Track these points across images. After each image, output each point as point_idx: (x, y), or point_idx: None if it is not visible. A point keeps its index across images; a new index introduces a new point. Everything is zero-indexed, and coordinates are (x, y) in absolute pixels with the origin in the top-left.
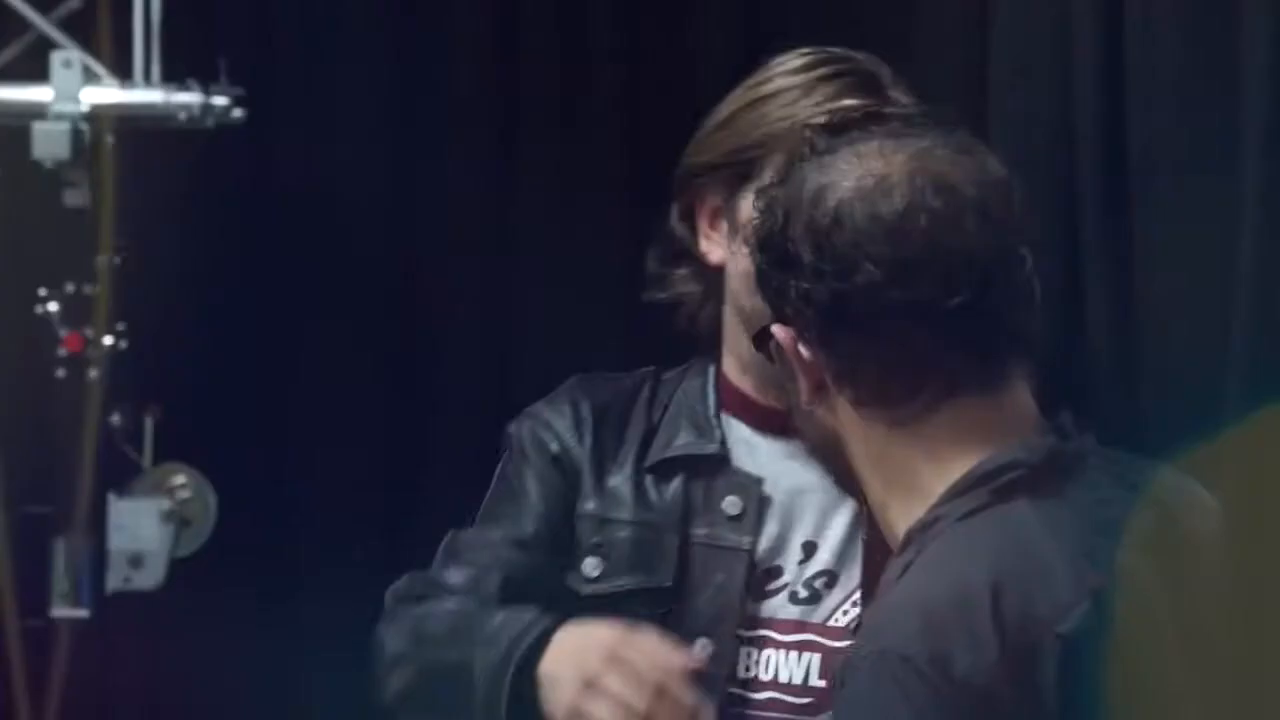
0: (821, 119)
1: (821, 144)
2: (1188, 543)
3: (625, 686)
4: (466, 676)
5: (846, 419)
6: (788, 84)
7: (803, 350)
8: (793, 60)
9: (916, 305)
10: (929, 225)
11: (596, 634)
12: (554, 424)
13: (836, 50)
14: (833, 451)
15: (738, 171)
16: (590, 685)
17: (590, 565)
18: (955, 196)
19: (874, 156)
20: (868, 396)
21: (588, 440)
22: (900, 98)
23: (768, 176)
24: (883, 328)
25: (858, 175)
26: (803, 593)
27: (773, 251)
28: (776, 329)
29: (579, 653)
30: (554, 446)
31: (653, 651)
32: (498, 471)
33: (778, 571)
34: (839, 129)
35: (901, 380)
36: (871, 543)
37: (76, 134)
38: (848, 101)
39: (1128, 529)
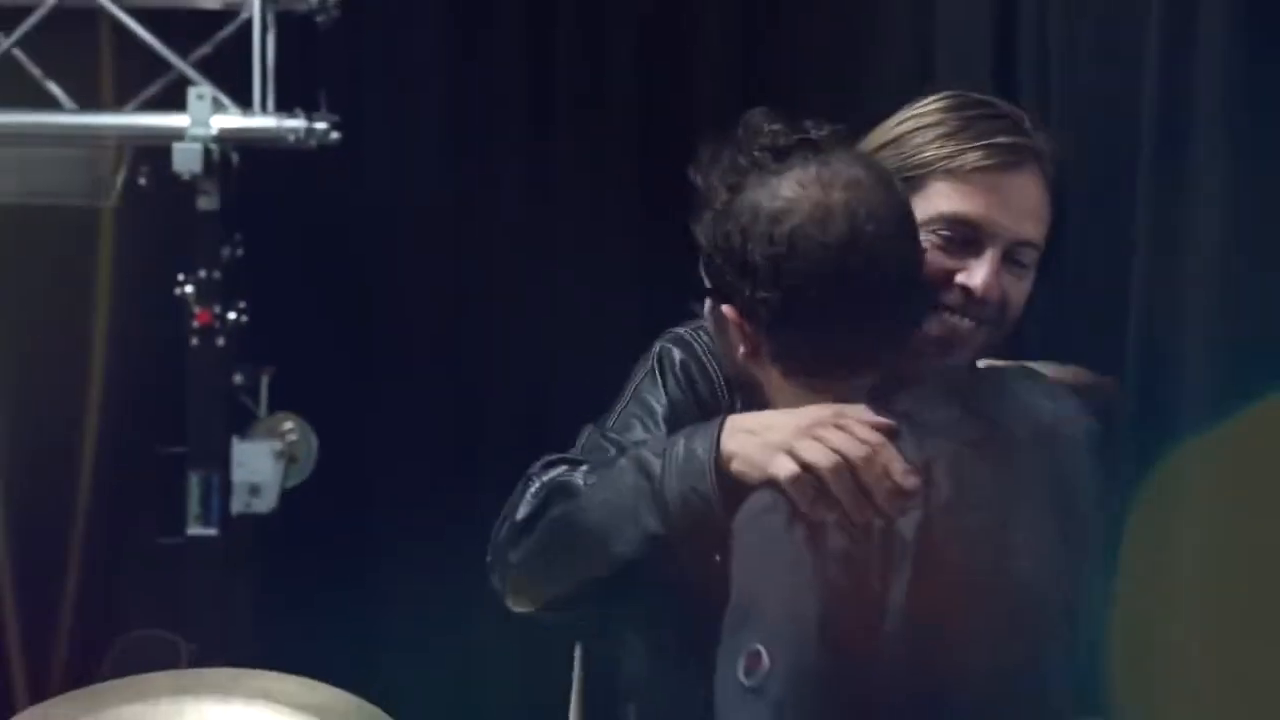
0: (978, 152)
1: (769, 166)
2: (1005, 444)
3: (844, 439)
4: (637, 482)
5: (774, 378)
6: (945, 118)
7: (746, 328)
8: (943, 100)
9: (852, 312)
10: (865, 249)
11: (802, 408)
12: (707, 366)
13: (979, 96)
14: (757, 392)
15: (903, 183)
16: (807, 432)
17: None
18: (882, 224)
19: (814, 185)
20: (797, 370)
21: (733, 397)
22: (1040, 139)
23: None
24: (823, 328)
25: (805, 209)
26: None
27: (733, 261)
28: (726, 309)
29: (790, 415)
30: (701, 387)
31: (870, 420)
32: (638, 383)
33: None
34: (782, 154)
35: (829, 363)
36: None
37: (207, 152)
38: (1004, 139)
39: (957, 431)
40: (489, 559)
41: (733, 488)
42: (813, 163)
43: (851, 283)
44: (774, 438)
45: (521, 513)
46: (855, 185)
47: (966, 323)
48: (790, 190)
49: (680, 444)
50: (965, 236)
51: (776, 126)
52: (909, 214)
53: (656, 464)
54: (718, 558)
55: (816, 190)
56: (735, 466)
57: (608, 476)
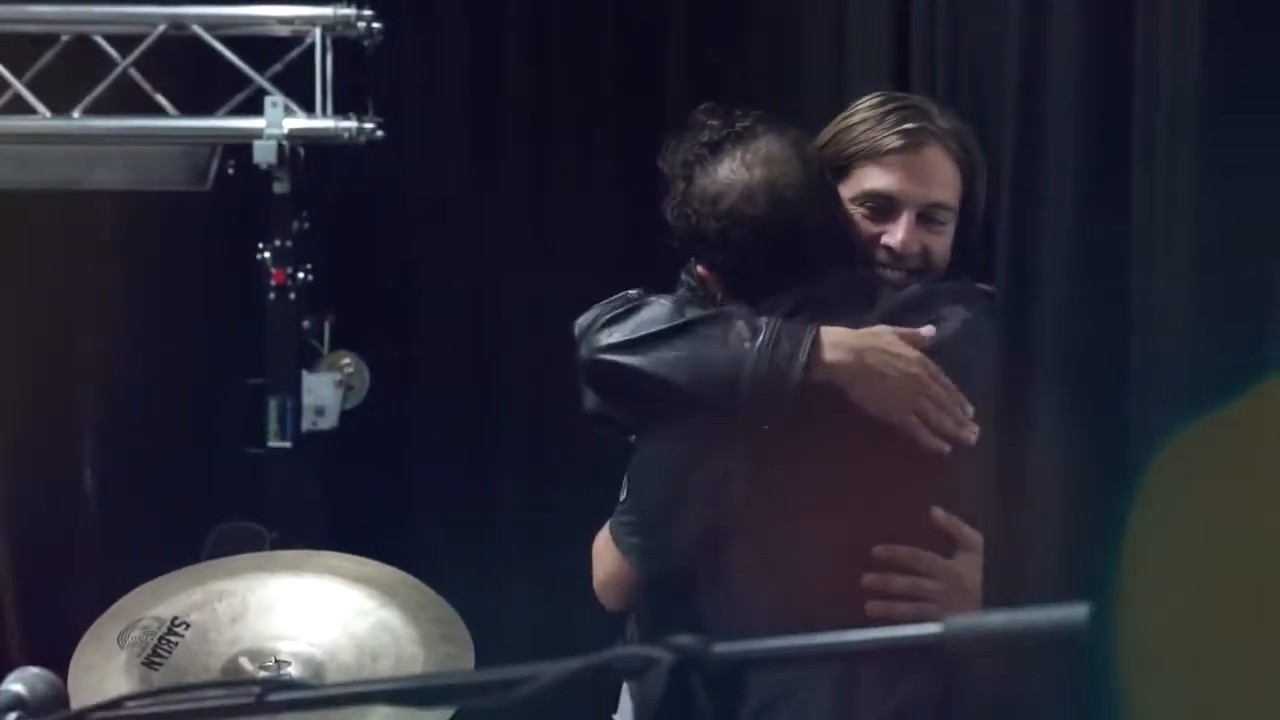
0: (891, 137)
1: (708, 159)
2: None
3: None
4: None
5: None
6: (868, 115)
7: (715, 279)
8: (870, 100)
9: (786, 266)
10: (786, 214)
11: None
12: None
13: (898, 94)
14: None
15: (838, 175)
16: (916, 387)
17: None
18: (797, 191)
19: (740, 169)
20: (758, 302)
21: None
22: (943, 120)
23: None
24: (766, 277)
25: (737, 189)
26: None
27: (694, 236)
28: (700, 269)
29: (885, 359)
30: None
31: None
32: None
33: None
34: (716, 148)
35: (773, 301)
36: None
37: (280, 147)
38: (909, 125)
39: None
40: (585, 355)
41: (813, 383)
42: (738, 149)
43: (781, 236)
44: (892, 388)
45: (657, 326)
46: (771, 161)
47: (897, 274)
48: (723, 176)
49: (777, 327)
50: (884, 206)
51: (713, 122)
52: (819, 172)
53: (761, 327)
54: (765, 428)
55: (742, 172)
56: (838, 375)
57: (716, 321)
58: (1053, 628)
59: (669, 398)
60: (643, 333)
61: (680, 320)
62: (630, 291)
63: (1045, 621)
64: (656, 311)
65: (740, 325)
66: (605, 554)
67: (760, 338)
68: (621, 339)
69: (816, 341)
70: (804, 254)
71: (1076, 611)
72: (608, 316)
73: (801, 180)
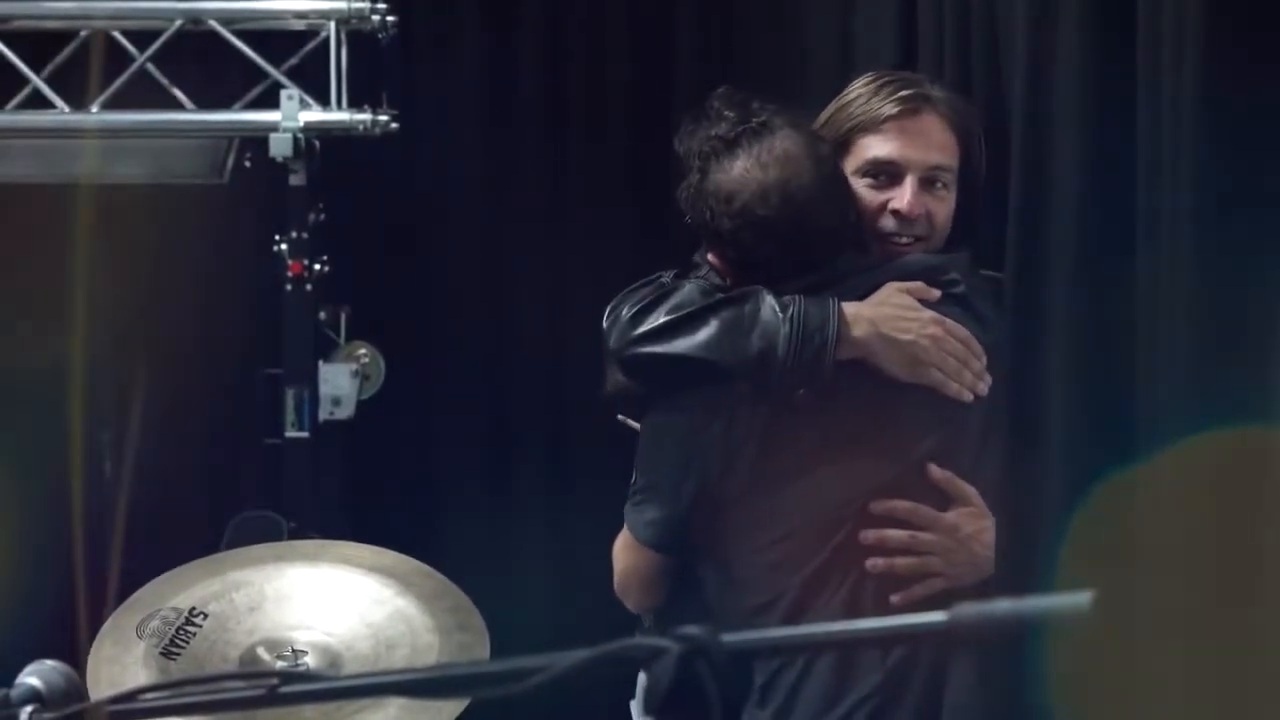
0: (887, 105)
1: (724, 154)
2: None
3: (955, 349)
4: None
5: None
6: (866, 91)
7: (724, 266)
8: (863, 79)
9: (795, 263)
10: (798, 215)
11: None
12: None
13: (894, 72)
14: None
15: (839, 150)
16: (936, 344)
17: None
18: (810, 192)
19: (755, 168)
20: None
21: None
22: (936, 91)
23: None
24: (774, 271)
25: (751, 189)
26: None
27: (706, 228)
28: (710, 257)
29: (908, 317)
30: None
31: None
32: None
33: None
34: (732, 144)
35: (782, 286)
36: None
37: (296, 140)
38: (904, 92)
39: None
40: (618, 346)
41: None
42: (755, 146)
43: (789, 235)
44: (913, 350)
45: (679, 312)
46: (786, 161)
47: (904, 241)
48: (738, 174)
49: (802, 305)
50: (889, 172)
51: (729, 113)
52: (832, 171)
53: (788, 304)
54: (801, 392)
55: (757, 172)
56: (862, 349)
57: (743, 301)
58: (1056, 615)
59: (705, 377)
60: (674, 317)
61: (710, 301)
62: (664, 277)
63: (1049, 609)
64: (685, 296)
65: (769, 301)
66: (622, 552)
67: (789, 311)
68: (653, 326)
69: (841, 319)
70: (813, 253)
71: (1079, 599)
72: (638, 307)
73: (815, 181)
